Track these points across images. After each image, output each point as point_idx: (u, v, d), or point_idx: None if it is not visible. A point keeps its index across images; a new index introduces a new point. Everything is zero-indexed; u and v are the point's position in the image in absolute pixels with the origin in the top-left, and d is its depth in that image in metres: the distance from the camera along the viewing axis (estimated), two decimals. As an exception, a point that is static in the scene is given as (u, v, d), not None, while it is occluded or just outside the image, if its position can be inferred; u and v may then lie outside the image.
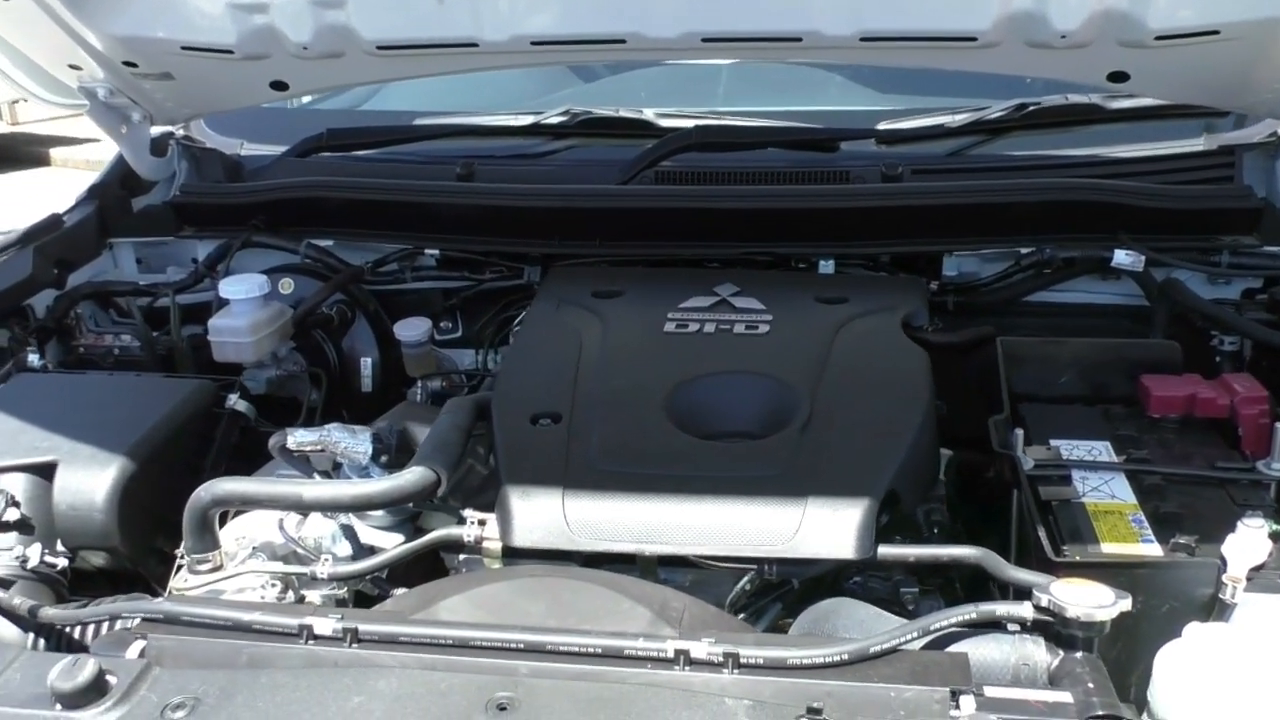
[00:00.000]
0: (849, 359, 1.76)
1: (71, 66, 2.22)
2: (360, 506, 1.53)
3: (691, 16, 1.94)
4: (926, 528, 1.61)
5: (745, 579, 1.51)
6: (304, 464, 1.65)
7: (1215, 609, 1.36)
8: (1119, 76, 2.03)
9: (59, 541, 1.69)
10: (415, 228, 2.40)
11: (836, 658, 1.20)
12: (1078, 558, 1.42)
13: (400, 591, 1.57)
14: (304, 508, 1.54)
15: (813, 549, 1.43)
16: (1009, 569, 1.38)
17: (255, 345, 2.25)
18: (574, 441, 1.61)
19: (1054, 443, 1.69)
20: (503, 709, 1.15)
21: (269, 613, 1.31)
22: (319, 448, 1.61)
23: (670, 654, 1.21)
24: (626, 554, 1.49)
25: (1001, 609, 1.27)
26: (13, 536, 1.66)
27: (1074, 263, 2.16)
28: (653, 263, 2.27)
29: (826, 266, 2.24)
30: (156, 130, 2.54)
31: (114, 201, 2.53)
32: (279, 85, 2.30)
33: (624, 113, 2.50)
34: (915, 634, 1.24)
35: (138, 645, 1.30)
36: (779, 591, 1.53)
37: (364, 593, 1.62)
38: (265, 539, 1.61)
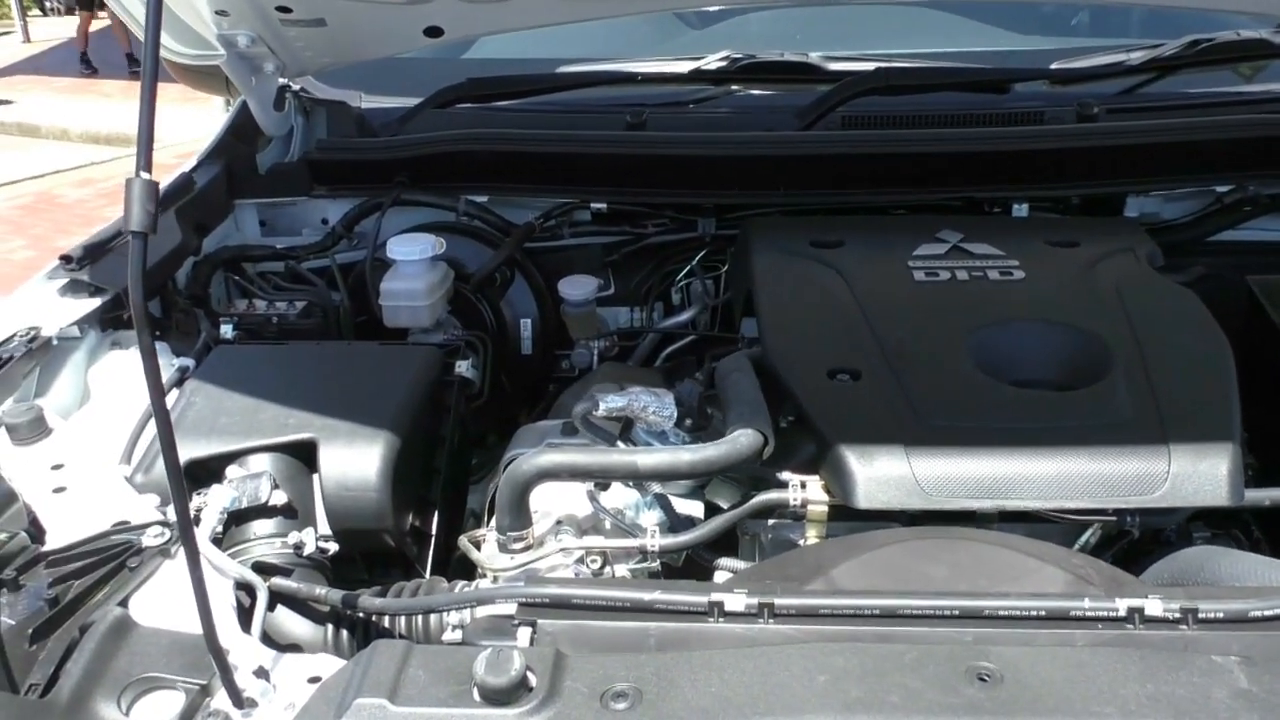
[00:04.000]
0: (1128, 301, 1.71)
1: (219, 13, 2.04)
2: (698, 472, 1.44)
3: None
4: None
5: (1089, 531, 1.46)
6: (593, 431, 1.54)
7: None
8: None
9: (319, 524, 1.56)
10: (579, 180, 2.27)
11: (1301, 607, 1.16)
12: None
13: (734, 562, 1.48)
14: (640, 476, 1.44)
15: (1186, 496, 1.38)
16: None
17: (430, 309, 2.13)
18: (885, 397, 1.53)
19: None
20: (985, 680, 1.08)
21: (669, 591, 1.21)
22: (625, 413, 1.51)
23: (1122, 612, 1.16)
24: (966, 511, 1.43)
25: None
26: (275, 522, 1.53)
27: (1277, 199, 2.14)
28: (836, 210, 2.20)
29: (1020, 210, 2.19)
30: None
31: (239, 160, 2.35)
32: (433, 31, 2.16)
33: (789, 57, 2.40)
34: (1360, 579, 1.20)
35: (526, 633, 1.20)
36: (1118, 544, 1.48)
37: (669, 564, 1.53)
38: (568, 511, 1.51)
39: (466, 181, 2.30)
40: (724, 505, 1.57)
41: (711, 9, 2.65)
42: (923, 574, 1.27)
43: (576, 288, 2.25)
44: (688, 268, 2.31)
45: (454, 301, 2.26)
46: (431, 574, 1.63)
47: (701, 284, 2.30)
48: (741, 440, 1.43)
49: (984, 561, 1.28)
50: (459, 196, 2.29)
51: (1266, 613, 1.15)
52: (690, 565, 1.53)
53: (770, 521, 1.53)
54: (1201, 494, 1.38)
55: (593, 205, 2.28)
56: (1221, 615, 1.15)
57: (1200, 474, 1.38)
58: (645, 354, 2.29)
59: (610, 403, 1.50)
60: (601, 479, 1.47)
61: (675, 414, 1.52)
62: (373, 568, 1.63)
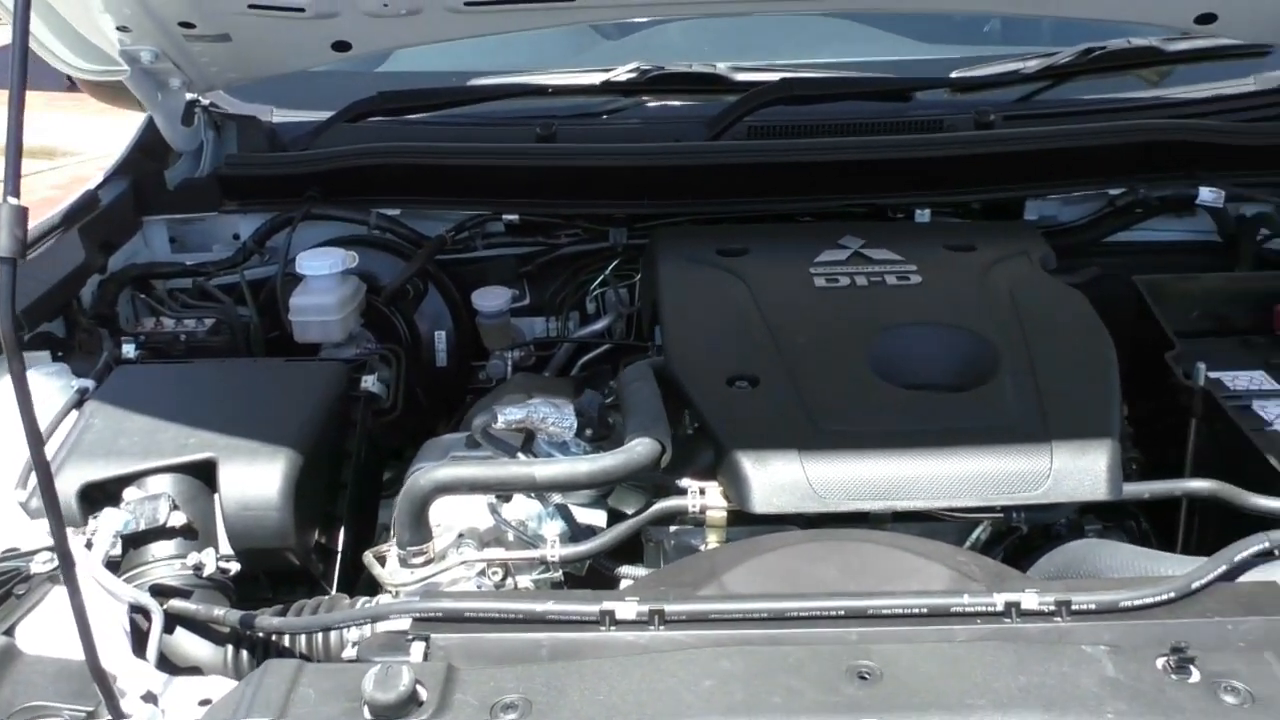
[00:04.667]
0: (1018, 304, 1.76)
1: (120, 29, 2.02)
2: (596, 482, 1.46)
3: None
4: (1125, 465, 1.63)
5: (979, 529, 1.51)
6: (495, 443, 1.55)
7: None
8: (1206, 19, 2.08)
9: (220, 544, 1.55)
10: (491, 192, 2.29)
11: (1165, 596, 1.20)
12: None
13: (635, 569, 1.50)
14: (538, 488, 1.45)
15: (1067, 492, 1.43)
16: (1252, 498, 1.42)
17: (342, 324, 2.12)
18: (782, 403, 1.56)
19: (1211, 374, 1.73)
20: (865, 678, 1.11)
21: (561, 601, 1.23)
22: (524, 425, 1.52)
23: (1000, 607, 1.20)
24: (859, 512, 1.46)
25: None
26: (174, 543, 1.51)
27: (1166, 201, 2.21)
28: (743, 218, 2.23)
29: (922, 216, 2.24)
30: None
31: (147, 176, 2.33)
32: (341, 46, 2.16)
33: (697, 68, 2.43)
34: (1224, 566, 1.25)
35: (419, 647, 1.21)
36: (1008, 539, 1.53)
37: (572, 574, 1.54)
38: (469, 524, 1.52)
39: (378, 195, 2.30)
40: (629, 513, 1.59)
41: (629, 20, 2.67)
42: (813, 576, 1.30)
43: (490, 299, 2.26)
44: (601, 277, 2.33)
45: (367, 315, 2.25)
46: (339, 590, 1.63)
47: (615, 293, 2.32)
48: (638, 449, 1.45)
49: (872, 562, 1.32)
50: (370, 210, 2.28)
51: (1136, 603, 1.20)
52: (594, 574, 1.55)
53: (672, 528, 1.56)
54: (1082, 490, 1.43)
55: (505, 217, 2.29)
56: (1093, 606, 1.20)
57: (1080, 470, 1.43)
58: (561, 363, 2.30)
59: (508, 415, 1.51)
60: (500, 491, 1.48)
61: (575, 424, 1.54)
62: (278, 586, 1.63)
